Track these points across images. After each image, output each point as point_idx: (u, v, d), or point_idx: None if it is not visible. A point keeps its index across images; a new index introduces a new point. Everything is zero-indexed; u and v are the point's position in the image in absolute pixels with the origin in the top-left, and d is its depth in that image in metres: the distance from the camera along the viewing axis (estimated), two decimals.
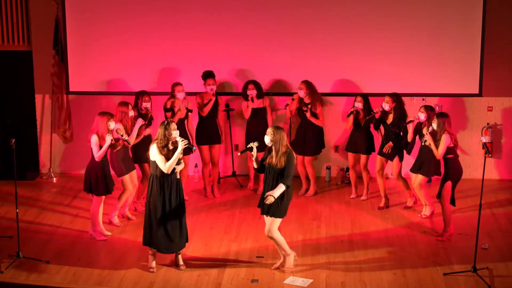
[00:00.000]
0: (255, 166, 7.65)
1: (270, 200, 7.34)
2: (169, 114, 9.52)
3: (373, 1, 10.19)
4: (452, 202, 8.41)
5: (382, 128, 9.55)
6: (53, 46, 10.51)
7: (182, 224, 7.70)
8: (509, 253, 8.10)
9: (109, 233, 8.67)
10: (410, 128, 9.01)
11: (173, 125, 7.57)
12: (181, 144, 7.52)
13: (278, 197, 7.39)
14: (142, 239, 7.80)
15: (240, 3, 10.29)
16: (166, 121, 7.60)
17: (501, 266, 7.76)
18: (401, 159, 9.35)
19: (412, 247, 8.31)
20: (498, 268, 7.70)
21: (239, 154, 7.93)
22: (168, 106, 9.54)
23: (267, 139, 7.45)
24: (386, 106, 9.27)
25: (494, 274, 7.56)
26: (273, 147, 7.44)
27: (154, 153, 7.56)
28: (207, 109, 9.76)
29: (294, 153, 7.49)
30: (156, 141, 7.57)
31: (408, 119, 9.12)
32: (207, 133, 9.82)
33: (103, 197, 8.51)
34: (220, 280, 7.49)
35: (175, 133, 7.58)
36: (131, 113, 8.90)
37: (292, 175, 7.45)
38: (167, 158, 7.53)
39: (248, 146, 7.60)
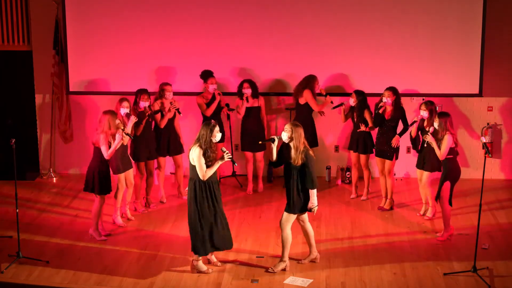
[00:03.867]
0: (273, 159, 7.69)
1: (316, 210, 7.61)
2: (158, 116, 9.47)
3: (374, 5, 10.18)
4: (450, 202, 8.40)
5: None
6: (53, 46, 10.51)
7: (224, 221, 7.68)
8: (509, 253, 8.10)
9: (109, 233, 8.66)
10: (414, 126, 8.99)
11: (217, 127, 7.51)
12: (226, 156, 7.46)
13: (304, 195, 7.54)
14: (194, 248, 7.61)
15: (239, 1, 10.31)
16: (210, 123, 7.50)
17: (501, 266, 7.76)
18: (396, 157, 9.34)
19: (412, 247, 8.31)
20: (498, 268, 7.70)
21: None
22: (157, 108, 9.47)
23: (285, 136, 7.49)
24: (388, 100, 9.25)
25: (494, 274, 7.56)
26: (291, 144, 7.47)
27: (196, 157, 7.41)
28: (211, 110, 9.79)
29: (311, 152, 7.55)
30: (199, 143, 7.44)
31: (412, 120, 9.10)
32: None
33: (105, 197, 8.49)
34: (220, 280, 7.49)
35: (219, 136, 7.54)
36: (127, 110, 8.86)
37: (315, 175, 7.53)
38: (207, 161, 7.44)
39: (270, 137, 7.65)
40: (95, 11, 10.42)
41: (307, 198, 7.58)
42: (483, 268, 7.59)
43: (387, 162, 9.33)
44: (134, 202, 9.45)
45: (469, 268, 7.54)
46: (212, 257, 7.81)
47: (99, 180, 8.35)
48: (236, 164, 7.83)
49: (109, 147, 8.31)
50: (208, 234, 7.56)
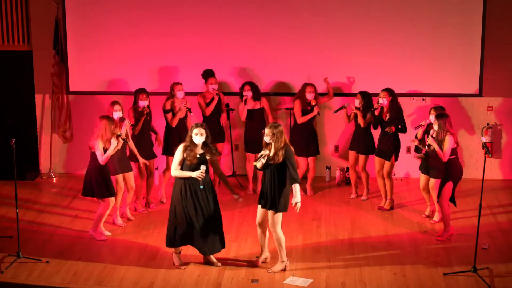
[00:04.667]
0: (259, 167, 7.62)
1: (299, 206, 7.45)
2: (169, 115, 9.50)
3: (373, 4, 10.19)
4: (453, 201, 8.38)
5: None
6: (53, 46, 10.52)
7: (209, 224, 7.65)
8: (509, 253, 8.10)
9: (109, 233, 8.66)
10: (420, 131, 8.91)
11: (197, 129, 7.52)
12: (197, 173, 7.48)
13: (278, 192, 7.42)
14: (165, 241, 7.77)
15: (242, 1, 10.31)
16: (195, 124, 7.61)
17: (501, 266, 7.75)
18: (396, 159, 9.33)
19: (412, 247, 8.31)
20: (498, 268, 7.70)
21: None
22: (168, 107, 9.51)
23: (267, 139, 7.46)
24: (384, 101, 9.25)
25: (494, 274, 7.56)
26: (272, 145, 7.45)
27: (177, 151, 7.59)
28: (209, 110, 9.79)
29: (291, 147, 7.51)
30: (185, 141, 7.61)
31: (418, 124, 9.06)
32: (211, 132, 9.81)
33: (112, 200, 8.46)
34: (220, 280, 7.49)
35: (197, 138, 7.51)
36: (119, 113, 8.84)
37: (296, 169, 7.49)
38: (188, 160, 7.52)
39: (260, 156, 7.56)
40: (95, 11, 10.43)
41: (286, 196, 7.51)
42: (483, 268, 7.58)
43: (386, 163, 9.33)
44: (134, 202, 9.46)
45: (469, 268, 7.54)
46: (212, 257, 7.81)
47: (98, 184, 8.33)
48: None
49: (105, 152, 8.29)
50: (179, 230, 7.62)
